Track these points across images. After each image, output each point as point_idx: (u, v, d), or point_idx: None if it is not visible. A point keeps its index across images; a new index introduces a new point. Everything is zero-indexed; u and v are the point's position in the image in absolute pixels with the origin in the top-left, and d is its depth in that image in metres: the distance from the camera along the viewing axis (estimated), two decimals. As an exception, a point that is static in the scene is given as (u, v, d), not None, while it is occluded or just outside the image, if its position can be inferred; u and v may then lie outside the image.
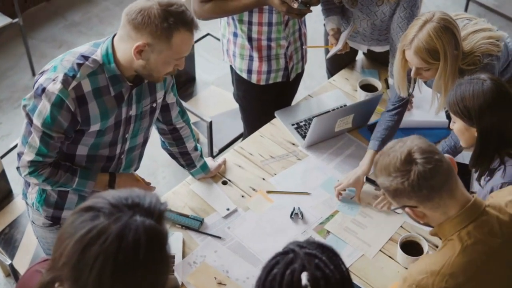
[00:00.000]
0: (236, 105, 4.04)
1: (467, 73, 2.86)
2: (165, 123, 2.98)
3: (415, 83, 3.14)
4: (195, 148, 3.14)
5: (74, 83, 2.43)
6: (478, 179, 2.71)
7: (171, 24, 2.36)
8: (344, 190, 3.16)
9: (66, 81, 2.42)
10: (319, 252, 1.62)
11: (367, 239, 3.02)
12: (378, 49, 3.79)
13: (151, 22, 2.34)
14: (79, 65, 2.46)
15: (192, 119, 3.48)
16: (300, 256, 1.60)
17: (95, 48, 2.52)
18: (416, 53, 2.81)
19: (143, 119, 2.73)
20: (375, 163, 2.15)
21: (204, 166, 3.20)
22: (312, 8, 3.19)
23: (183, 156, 3.13)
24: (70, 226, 1.56)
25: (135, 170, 3.02)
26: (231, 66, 3.69)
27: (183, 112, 3.04)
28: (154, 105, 2.74)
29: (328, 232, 3.03)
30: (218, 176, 3.27)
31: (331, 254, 1.64)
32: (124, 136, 2.70)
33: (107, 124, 2.58)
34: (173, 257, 2.87)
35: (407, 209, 2.14)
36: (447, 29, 2.77)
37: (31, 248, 3.43)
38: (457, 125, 2.64)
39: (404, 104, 3.25)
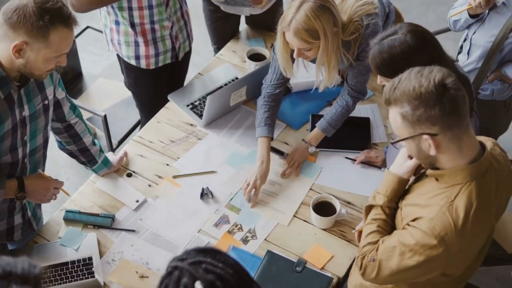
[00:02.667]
0: (128, 93, 3.98)
1: (353, 42, 2.90)
2: (59, 120, 2.92)
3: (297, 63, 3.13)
4: (93, 143, 3.08)
5: None
6: None
7: (46, 22, 2.33)
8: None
9: None
10: (202, 257, 1.56)
11: (279, 207, 3.05)
12: (259, 11, 3.76)
13: (26, 21, 2.31)
14: None
15: (86, 115, 3.41)
16: (185, 269, 1.53)
17: None
18: (295, 34, 2.80)
19: (38, 118, 2.68)
20: (391, 89, 2.01)
21: (106, 161, 3.15)
22: None
23: (83, 153, 3.06)
24: None
25: None
26: (118, 55, 3.62)
27: (74, 107, 2.98)
28: (46, 102, 2.69)
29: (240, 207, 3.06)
30: (122, 169, 3.22)
31: (214, 253, 1.58)
32: (23, 139, 2.64)
33: (4, 129, 2.52)
34: (90, 258, 2.83)
35: (411, 141, 2.05)
36: (324, 7, 2.78)
37: None
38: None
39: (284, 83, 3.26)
